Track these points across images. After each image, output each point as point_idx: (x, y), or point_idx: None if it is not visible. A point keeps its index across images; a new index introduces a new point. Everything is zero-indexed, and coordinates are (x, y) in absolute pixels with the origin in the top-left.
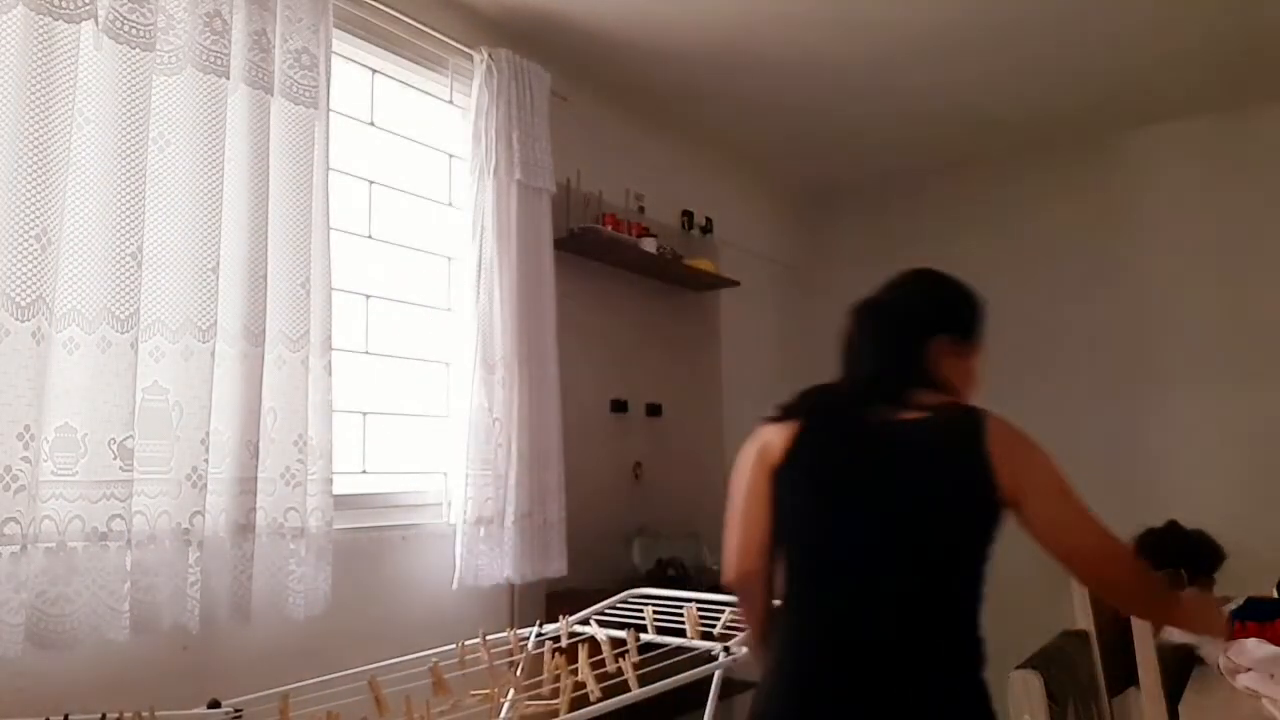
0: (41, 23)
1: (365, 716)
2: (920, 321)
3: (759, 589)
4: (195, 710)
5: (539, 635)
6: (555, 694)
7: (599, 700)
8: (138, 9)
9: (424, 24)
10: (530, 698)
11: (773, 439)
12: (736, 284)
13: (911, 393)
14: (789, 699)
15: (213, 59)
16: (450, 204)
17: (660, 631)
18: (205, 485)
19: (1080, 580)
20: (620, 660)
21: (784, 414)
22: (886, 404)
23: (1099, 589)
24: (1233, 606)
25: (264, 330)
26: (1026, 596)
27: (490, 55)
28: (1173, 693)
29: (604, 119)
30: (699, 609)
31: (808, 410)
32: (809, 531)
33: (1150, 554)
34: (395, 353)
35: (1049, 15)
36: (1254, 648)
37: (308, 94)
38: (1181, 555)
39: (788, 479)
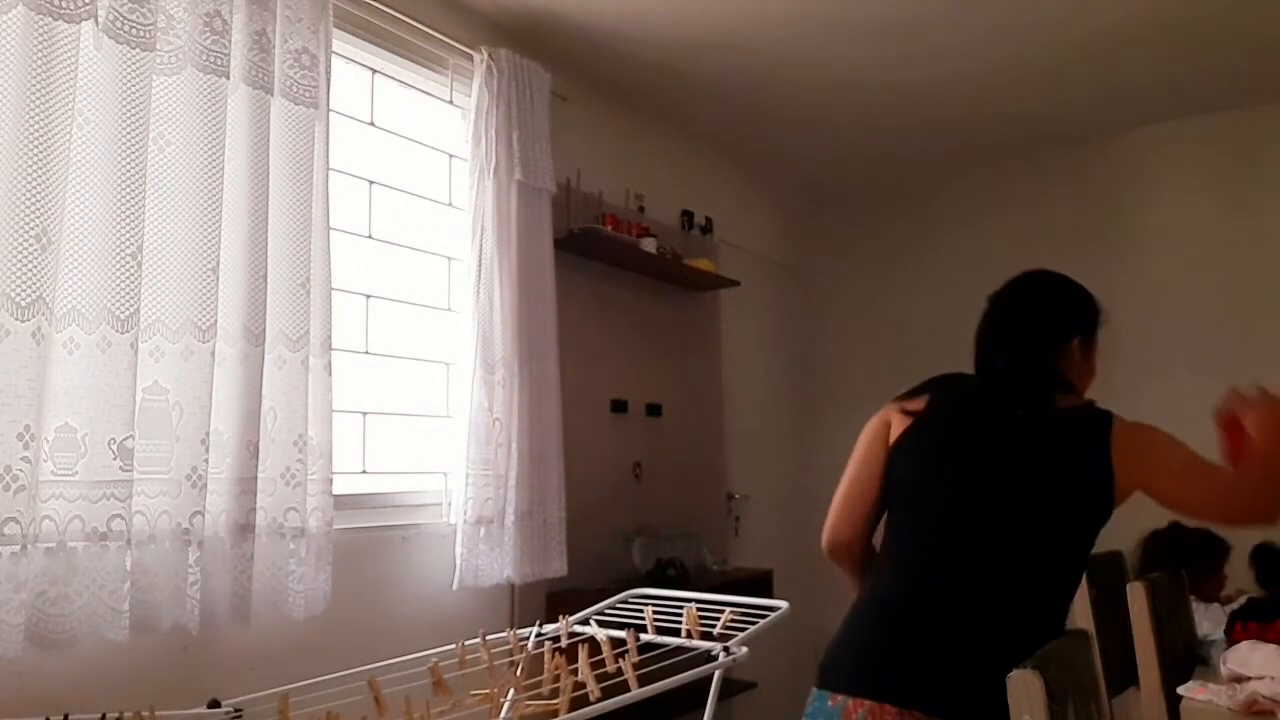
0: (41, 23)
1: (365, 716)
2: (1057, 328)
3: (851, 557)
4: (195, 710)
5: (539, 635)
6: (555, 694)
7: (599, 700)
8: (138, 9)
9: (424, 24)
10: (530, 698)
11: (895, 417)
12: (736, 284)
13: (1045, 394)
14: (857, 651)
15: (213, 59)
16: (450, 204)
17: (660, 631)
18: (205, 485)
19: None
20: (620, 660)
21: (913, 396)
22: (1021, 402)
23: (1232, 524)
24: (1234, 607)
25: (264, 330)
26: None
27: (490, 55)
28: (1172, 693)
29: (604, 119)
30: (699, 609)
31: (938, 395)
32: (920, 505)
33: (1158, 555)
34: (395, 353)
35: (1049, 14)
36: (1248, 651)
37: (308, 94)
38: (1188, 554)
39: (908, 453)
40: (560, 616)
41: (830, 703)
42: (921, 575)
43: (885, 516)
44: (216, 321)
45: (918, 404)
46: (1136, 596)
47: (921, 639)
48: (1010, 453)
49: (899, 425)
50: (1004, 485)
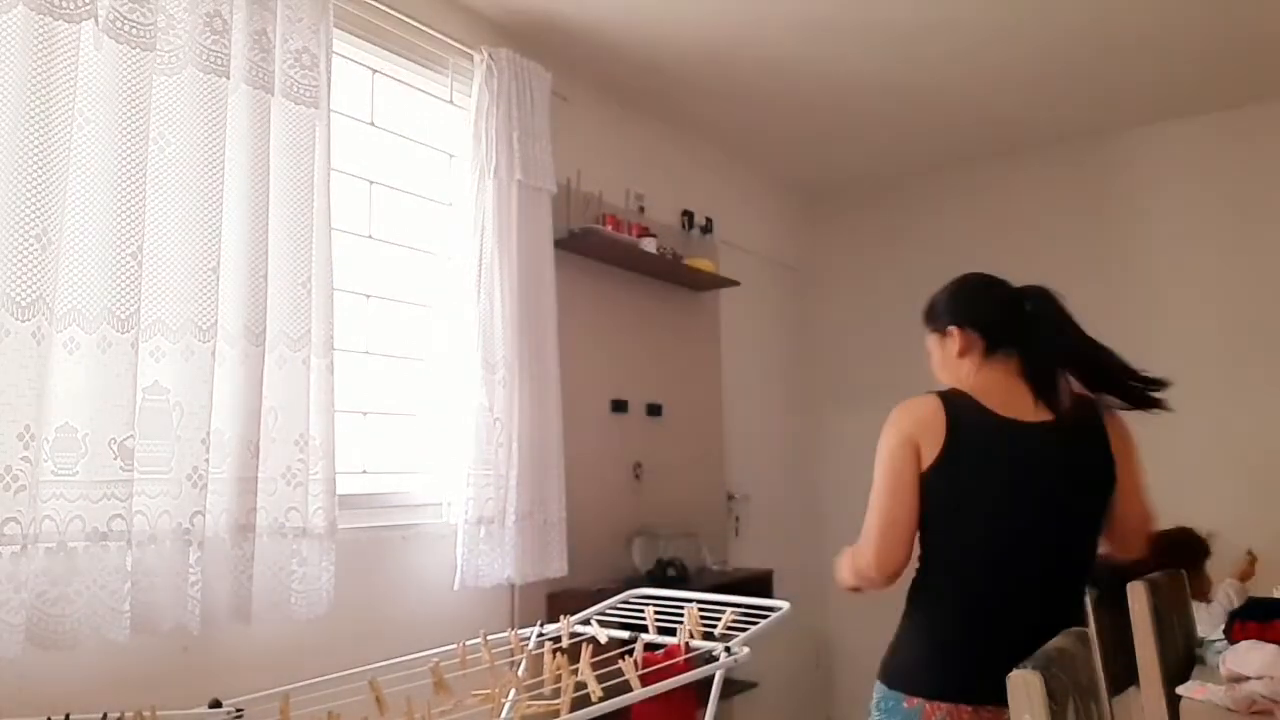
0: (41, 23)
1: (366, 716)
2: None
3: (898, 579)
4: (196, 710)
5: (540, 635)
6: (556, 694)
7: (600, 700)
8: (138, 9)
9: (424, 24)
10: (531, 698)
11: (922, 438)
12: (736, 284)
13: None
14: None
15: (213, 59)
16: (450, 204)
17: (661, 632)
18: (206, 485)
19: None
20: (621, 660)
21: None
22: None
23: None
24: (1232, 606)
25: (265, 330)
26: None
27: (490, 55)
28: (1172, 693)
29: (604, 119)
30: (699, 609)
31: (955, 412)
32: (993, 518)
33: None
34: (395, 353)
35: (1050, 15)
36: (1248, 651)
37: (308, 94)
38: (1176, 556)
39: (965, 473)
40: (561, 616)
41: (906, 704)
42: (1006, 584)
43: (933, 532)
44: (217, 321)
45: (936, 419)
46: (1136, 596)
47: (1013, 643)
48: (1063, 455)
49: (930, 446)
50: (1066, 489)
